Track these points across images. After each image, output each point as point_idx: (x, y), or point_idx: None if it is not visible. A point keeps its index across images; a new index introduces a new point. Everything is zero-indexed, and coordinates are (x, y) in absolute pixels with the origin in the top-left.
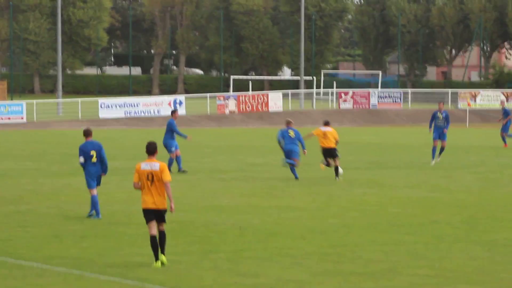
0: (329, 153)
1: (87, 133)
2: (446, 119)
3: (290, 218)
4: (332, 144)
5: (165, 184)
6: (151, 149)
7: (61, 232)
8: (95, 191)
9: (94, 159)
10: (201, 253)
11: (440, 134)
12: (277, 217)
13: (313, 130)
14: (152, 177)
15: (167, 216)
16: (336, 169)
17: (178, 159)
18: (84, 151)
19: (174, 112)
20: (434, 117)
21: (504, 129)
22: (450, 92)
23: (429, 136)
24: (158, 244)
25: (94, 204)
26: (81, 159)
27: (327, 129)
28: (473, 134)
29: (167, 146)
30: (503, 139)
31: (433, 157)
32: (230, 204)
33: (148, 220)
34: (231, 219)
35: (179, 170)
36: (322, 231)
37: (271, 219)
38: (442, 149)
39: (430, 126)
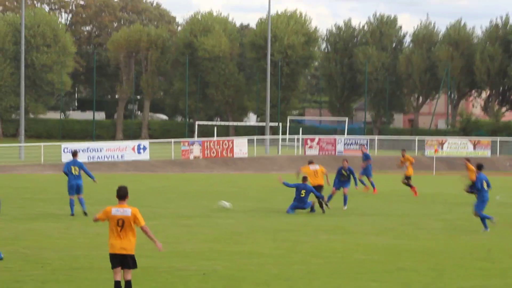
0: (318, 190)
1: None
2: (352, 174)
3: (254, 264)
4: (321, 182)
5: (142, 228)
6: (121, 193)
7: (22, 278)
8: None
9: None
10: None
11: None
12: (241, 263)
13: (301, 167)
14: (123, 223)
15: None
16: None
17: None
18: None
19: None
20: (339, 173)
21: (366, 172)
22: (417, 139)
23: (396, 182)
24: None
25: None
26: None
27: (316, 167)
28: (440, 182)
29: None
30: (366, 184)
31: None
32: (193, 249)
33: (113, 266)
34: (195, 265)
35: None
36: (287, 278)
37: (235, 265)
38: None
39: (335, 183)
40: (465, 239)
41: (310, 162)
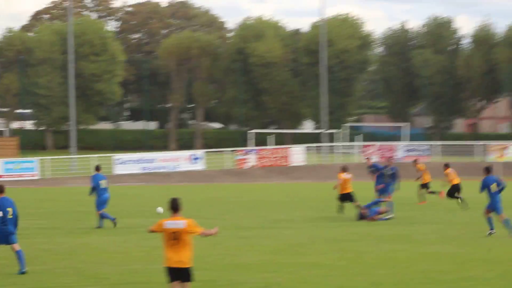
0: (347, 198)
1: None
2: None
3: (317, 276)
4: (349, 190)
5: (201, 235)
6: (174, 206)
7: None
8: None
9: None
10: None
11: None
12: (303, 275)
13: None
14: (177, 236)
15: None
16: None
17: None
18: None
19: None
20: (381, 175)
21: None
22: (479, 144)
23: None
24: None
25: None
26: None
27: (347, 176)
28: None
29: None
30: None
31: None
32: (253, 262)
33: (170, 280)
34: (255, 277)
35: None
36: None
37: (297, 277)
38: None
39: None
40: None
41: (344, 170)
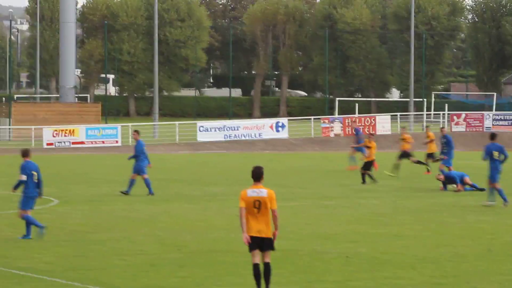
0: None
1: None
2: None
3: (399, 247)
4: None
5: (273, 211)
6: (257, 175)
7: (158, 261)
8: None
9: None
10: (306, 283)
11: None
12: (385, 246)
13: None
14: (259, 205)
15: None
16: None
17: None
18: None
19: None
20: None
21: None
22: None
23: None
24: (260, 273)
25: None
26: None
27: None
28: None
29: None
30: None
31: None
32: (335, 231)
33: (251, 249)
34: (337, 247)
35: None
36: (434, 261)
37: (379, 248)
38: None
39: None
40: None
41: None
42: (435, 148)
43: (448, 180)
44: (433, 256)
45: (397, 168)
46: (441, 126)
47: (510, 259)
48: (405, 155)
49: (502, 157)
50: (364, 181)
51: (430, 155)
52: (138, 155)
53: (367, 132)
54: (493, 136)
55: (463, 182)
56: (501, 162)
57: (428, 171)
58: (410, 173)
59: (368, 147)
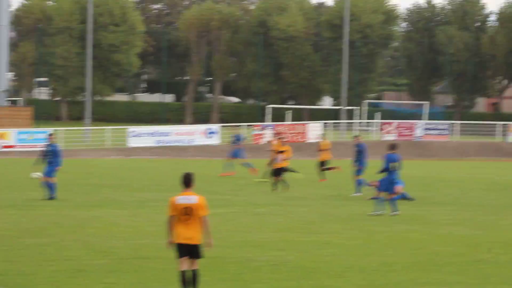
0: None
1: None
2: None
3: (328, 255)
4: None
5: (203, 218)
6: (187, 181)
7: (86, 267)
8: None
9: None
10: None
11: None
12: (314, 254)
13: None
14: (189, 211)
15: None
16: None
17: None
18: None
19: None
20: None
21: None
22: (500, 124)
23: (476, 171)
24: (187, 280)
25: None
26: None
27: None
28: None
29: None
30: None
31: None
32: (264, 239)
33: (179, 256)
34: (266, 255)
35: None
36: (361, 269)
37: (308, 256)
38: None
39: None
40: None
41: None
42: (328, 156)
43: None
44: (360, 265)
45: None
46: (355, 135)
47: (437, 268)
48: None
49: (398, 168)
50: (275, 187)
51: (322, 163)
52: (52, 158)
53: (277, 138)
54: (393, 146)
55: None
56: (396, 173)
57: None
58: (340, 181)
59: (281, 152)
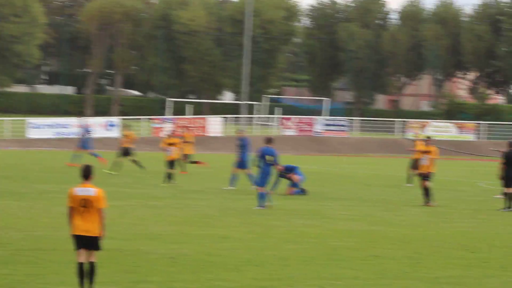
0: None
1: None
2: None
3: (225, 249)
4: None
5: (100, 210)
6: (86, 173)
7: None
8: None
9: None
10: (129, 283)
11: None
12: (211, 247)
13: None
14: (87, 203)
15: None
16: None
17: None
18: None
19: None
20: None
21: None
22: (399, 121)
23: (375, 167)
24: (84, 272)
25: None
26: None
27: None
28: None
29: None
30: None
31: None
32: (162, 232)
33: (77, 248)
34: (162, 248)
35: None
36: (258, 263)
37: (205, 249)
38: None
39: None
40: (445, 226)
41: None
42: (190, 150)
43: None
44: (257, 259)
45: (119, 165)
46: (239, 129)
47: (333, 263)
48: (126, 153)
49: (273, 162)
50: (169, 180)
51: (186, 156)
52: None
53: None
54: (269, 140)
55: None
56: (271, 166)
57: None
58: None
59: (173, 144)
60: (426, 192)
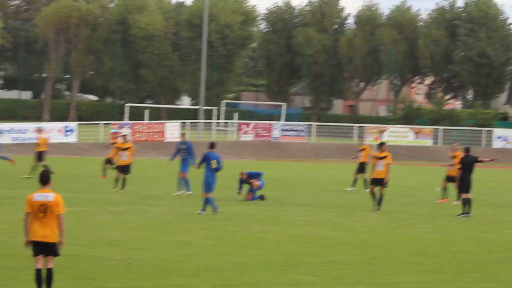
0: None
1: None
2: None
3: (183, 255)
4: None
5: (59, 216)
6: (43, 178)
7: None
8: None
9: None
10: None
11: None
12: (169, 253)
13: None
14: (45, 209)
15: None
16: None
17: None
18: None
19: None
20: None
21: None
22: (357, 126)
23: (333, 172)
24: (42, 279)
25: None
26: None
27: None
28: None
29: None
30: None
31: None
32: (120, 238)
33: (35, 254)
34: (120, 254)
35: None
36: (216, 269)
37: (163, 255)
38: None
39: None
40: (403, 232)
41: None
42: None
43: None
44: (216, 265)
45: (35, 170)
46: (182, 132)
47: (292, 269)
48: (40, 157)
49: (217, 167)
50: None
51: (108, 161)
52: None
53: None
54: (212, 145)
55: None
56: (216, 171)
57: (104, 175)
58: (196, 181)
59: (125, 149)
60: (380, 197)
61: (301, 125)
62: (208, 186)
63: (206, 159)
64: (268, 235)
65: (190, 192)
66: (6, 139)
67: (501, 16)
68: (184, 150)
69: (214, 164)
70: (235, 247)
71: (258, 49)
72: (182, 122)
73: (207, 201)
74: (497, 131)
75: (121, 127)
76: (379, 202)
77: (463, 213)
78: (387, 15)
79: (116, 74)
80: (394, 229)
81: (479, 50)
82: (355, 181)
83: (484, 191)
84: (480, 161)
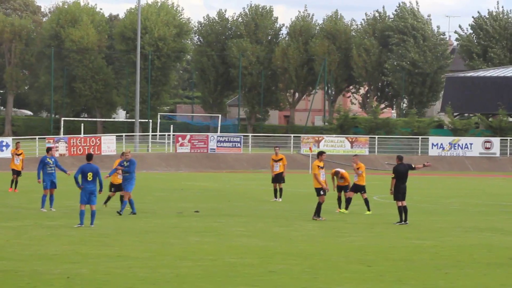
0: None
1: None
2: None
3: (121, 268)
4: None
5: None
6: None
7: None
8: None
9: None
10: None
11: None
12: (107, 266)
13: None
14: None
15: None
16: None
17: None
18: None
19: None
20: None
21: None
22: (292, 136)
23: (270, 182)
24: None
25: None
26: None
27: None
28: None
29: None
30: None
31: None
32: (57, 252)
33: None
34: (58, 268)
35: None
36: (154, 282)
37: (101, 268)
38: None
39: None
40: (341, 241)
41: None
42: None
43: None
44: (153, 277)
45: None
46: (125, 151)
47: (230, 280)
48: None
49: (96, 178)
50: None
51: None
52: None
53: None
54: (89, 157)
55: None
56: (94, 182)
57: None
58: (133, 193)
59: None
60: (348, 201)
61: (237, 136)
62: (84, 198)
63: (83, 172)
64: (207, 246)
65: (135, 212)
66: None
67: (429, 27)
68: (127, 168)
69: (90, 176)
70: (173, 259)
71: (192, 61)
72: (118, 135)
73: (82, 213)
74: (433, 139)
75: (57, 141)
76: (346, 206)
77: (400, 221)
78: (320, 26)
79: (50, 88)
80: (333, 238)
81: (410, 59)
82: (276, 191)
83: (420, 198)
84: (414, 168)
